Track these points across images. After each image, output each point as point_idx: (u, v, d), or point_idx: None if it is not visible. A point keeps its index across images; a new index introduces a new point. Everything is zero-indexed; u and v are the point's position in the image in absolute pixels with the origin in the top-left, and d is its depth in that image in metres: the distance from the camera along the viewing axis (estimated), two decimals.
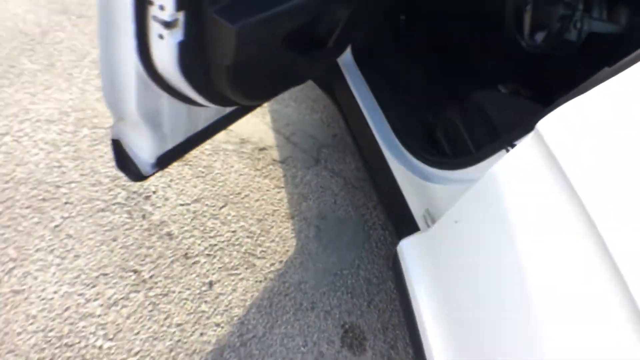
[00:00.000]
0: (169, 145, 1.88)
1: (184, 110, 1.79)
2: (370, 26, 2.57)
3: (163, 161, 1.89)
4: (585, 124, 1.10)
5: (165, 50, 1.44)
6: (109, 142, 2.43)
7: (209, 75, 1.57)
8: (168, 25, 1.35)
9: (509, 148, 1.37)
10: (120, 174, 2.29)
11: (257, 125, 2.89)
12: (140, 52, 1.47)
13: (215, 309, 2.06)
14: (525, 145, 1.21)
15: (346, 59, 2.43)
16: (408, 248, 1.76)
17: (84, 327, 1.90)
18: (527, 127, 1.25)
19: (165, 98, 1.67)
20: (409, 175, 1.98)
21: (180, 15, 1.34)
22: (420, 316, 1.59)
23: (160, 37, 1.40)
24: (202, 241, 2.26)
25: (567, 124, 1.12)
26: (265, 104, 2.94)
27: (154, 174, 1.90)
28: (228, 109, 2.04)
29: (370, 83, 2.35)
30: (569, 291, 1.04)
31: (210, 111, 1.93)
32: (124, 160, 1.87)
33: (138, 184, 2.36)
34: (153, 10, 1.36)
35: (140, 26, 1.41)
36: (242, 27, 1.38)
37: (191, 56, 1.45)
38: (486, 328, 1.31)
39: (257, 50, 1.55)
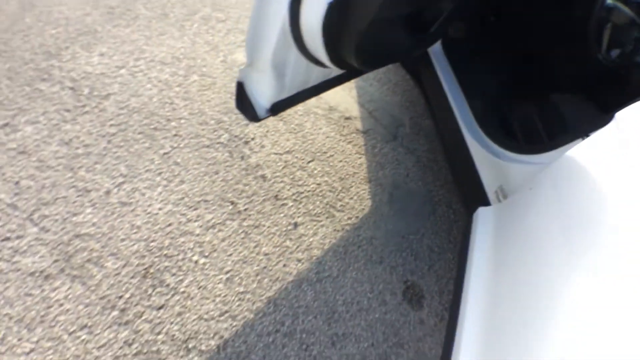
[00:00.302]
0: (284, 95, 2.08)
1: (304, 66, 1.99)
2: (464, 21, 2.76)
3: (275, 108, 2.09)
4: None
5: (315, 9, 1.64)
6: (216, 89, 2.68)
7: (338, 36, 1.77)
8: None
9: (585, 137, 1.57)
10: (225, 118, 2.54)
11: (344, 97, 3.09)
12: (291, 8, 1.69)
13: (297, 247, 2.27)
14: (603, 132, 1.40)
15: (436, 49, 2.62)
16: (484, 215, 1.95)
17: (183, 242, 2.11)
18: (602, 120, 1.44)
19: (294, 52, 1.88)
20: (486, 155, 2.18)
21: None
22: (469, 279, 1.66)
23: None
24: (290, 187, 2.47)
25: None
26: (352, 80, 3.13)
27: (266, 118, 2.11)
28: (332, 74, 2.23)
29: (457, 72, 2.54)
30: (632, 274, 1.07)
31: (321, 72, 2.13)
32: (243, 101, 2.08)
33: (239, 129, 2.58)
34: None
35: None
36: None
37: (333, 17, 1.65)
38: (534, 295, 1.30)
39: (385, 22, 1.75)
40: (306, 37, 1.78)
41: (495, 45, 2.90)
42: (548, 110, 2.42)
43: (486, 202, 2.15)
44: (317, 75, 2.14)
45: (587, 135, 1.55)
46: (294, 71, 1.99)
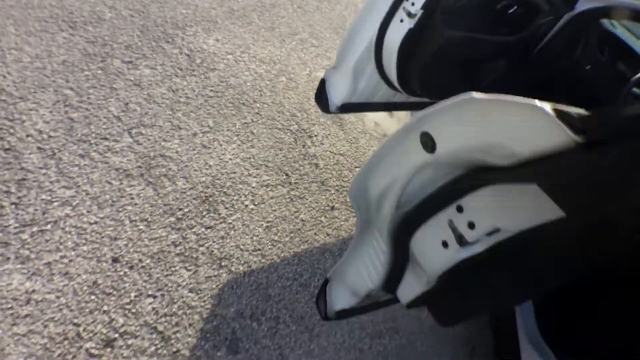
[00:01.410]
0: (353, 100, 2.38)
1: (375, 81, 2.29)
2: None
3: (343, 108, 2.39)
4: None
5: (399, 31, 1.98)
6: (297, 92, 3.02)
7: (408, 59, 2.06)
8: (410, 15, 1.90)
9: None
10: (299, 114, 2.86)
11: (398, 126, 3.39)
12: (381, 27, 2.03)
13: (329, 224, 2.49)
14: None
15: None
16: None
17: (240, 188, 2.37)
18: None
19: (371, 66, 2.20)
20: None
21: (420, 13, 1.88)
22: None
23: (401, 20, 1.95)
24: (336, 180, 2.72)
25: None
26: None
27: (334, 113, 2.42)
28: (395, 98, 2.53)
29: None
30: None
31: (385, 93, 2.42)
32: (321, 95, 2.40)
33: (307, 125, 2.88)
34: (405, 4, 1.92)
35: (391, 10, 1.97)
36: (450, 34, 1.90)
37: (409, 41, 1.98)
38: None
39: (447, 61, 2.06)
40: (385, 54, 2.10)
41: None
42: None
43: None
44: (382, 94, 2.44)
45: None
46: (367, 82, 2.30)
